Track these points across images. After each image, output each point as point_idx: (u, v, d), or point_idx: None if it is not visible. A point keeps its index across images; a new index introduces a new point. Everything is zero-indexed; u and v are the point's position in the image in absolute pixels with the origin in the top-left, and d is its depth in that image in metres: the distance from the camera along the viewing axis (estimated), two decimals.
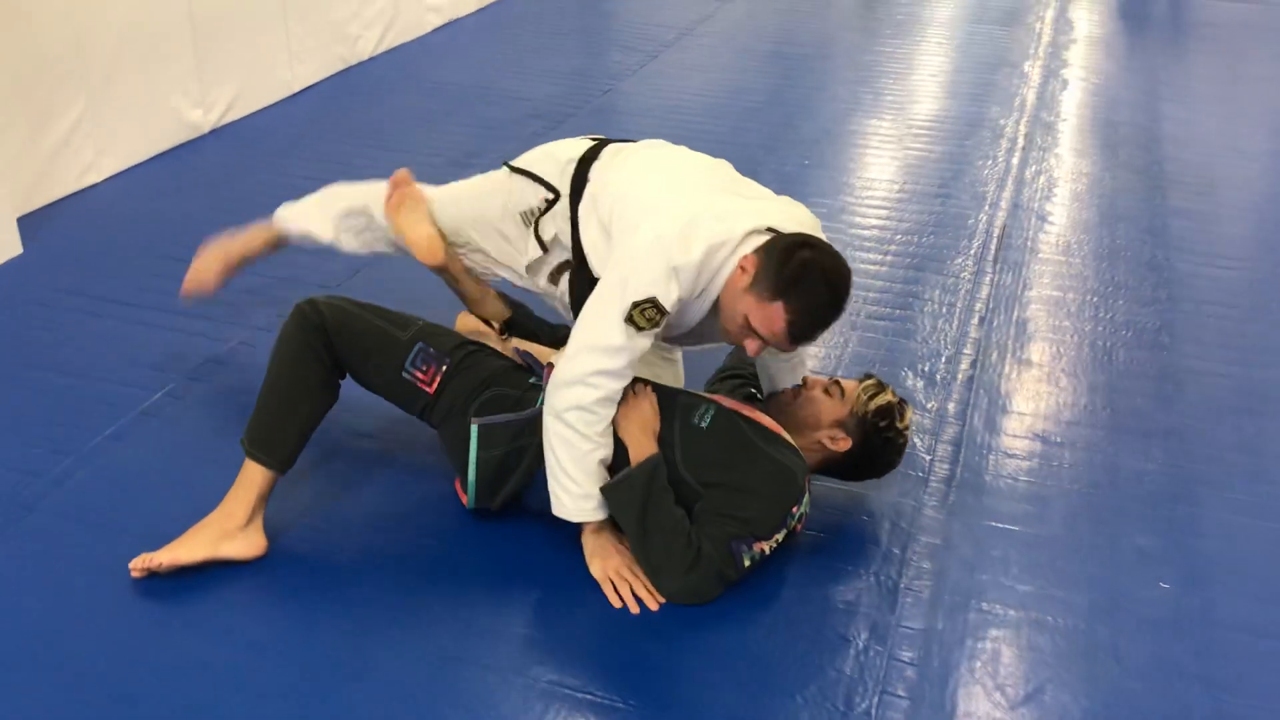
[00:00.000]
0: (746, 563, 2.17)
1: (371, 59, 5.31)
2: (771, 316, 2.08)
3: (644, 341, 2.14)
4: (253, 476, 2.26)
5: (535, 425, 2.25)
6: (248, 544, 2.24)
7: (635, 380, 2.25)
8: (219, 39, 4.33)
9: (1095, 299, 3.42)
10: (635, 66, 5.46)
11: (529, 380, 2.35)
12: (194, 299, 2.91)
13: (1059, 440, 2.74)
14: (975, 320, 3.26)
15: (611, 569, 2.20)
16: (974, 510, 2.48)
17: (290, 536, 2.31)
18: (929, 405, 2.85)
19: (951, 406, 2.85)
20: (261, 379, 2.32)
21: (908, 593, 2.23)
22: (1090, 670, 2.07)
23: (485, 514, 2.35)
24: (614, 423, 2.19)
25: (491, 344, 2.52)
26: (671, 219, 2.15)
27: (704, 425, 2.24)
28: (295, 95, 4.80)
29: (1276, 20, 6.70)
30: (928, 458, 2.63)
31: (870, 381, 2.40)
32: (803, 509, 2.24)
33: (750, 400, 2.50)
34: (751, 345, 2.15)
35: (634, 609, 2.15)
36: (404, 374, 2.31)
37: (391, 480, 2.51)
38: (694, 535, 2.16)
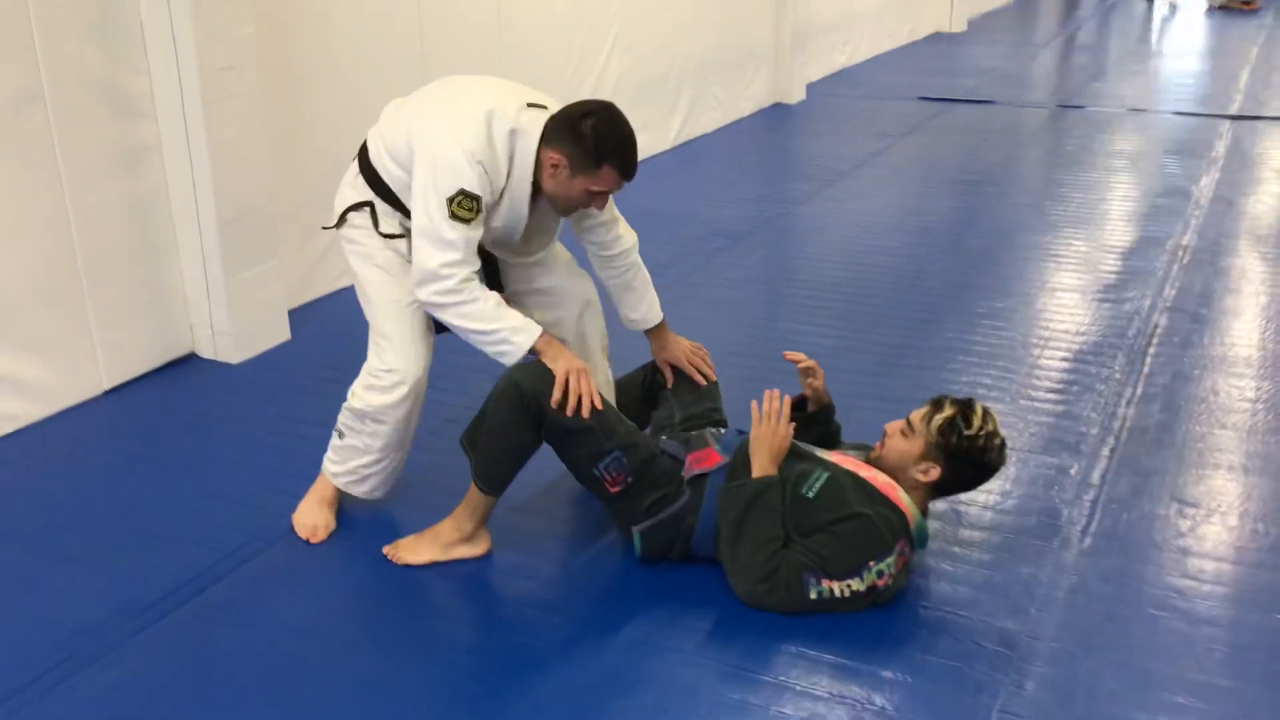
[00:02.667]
0: (813, 595, 2.44)
1: None
2: (605, 177, 2.56)
3: (473, 231, 2.54)
4: (479, 501, 2.73)
5: (682, 514, 2.63)
6: (476, 548, 2.75)
7: (778, 418, 2.62)
8: None
9: (1250, 387, 3.64)
10: (812, 193, 5.97)
11: (680, 475, 2.68)
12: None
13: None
14: (1124, 403, 3.53)
15: (573, 370, 2.54)
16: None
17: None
18: (1072, 470, 3.14)
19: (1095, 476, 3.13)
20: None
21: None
22: None
23: None
24: (749, 442, 2.60)
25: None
26: (458, 117, 2.56)
27: (810, 495, 2.54)
28: None
29: None
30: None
31: (926, 408, 2.59)
32: (883, 565, 2.45)
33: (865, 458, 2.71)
34: (599, 202, 2.64)
35: (570, 411, 2.50)
36: (595, 471, 2.62)
37: (580, 509, 2.96)
38: (778, 556, 2.47)
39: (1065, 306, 4.37)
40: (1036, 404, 3.56)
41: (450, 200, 2.50)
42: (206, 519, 2.94)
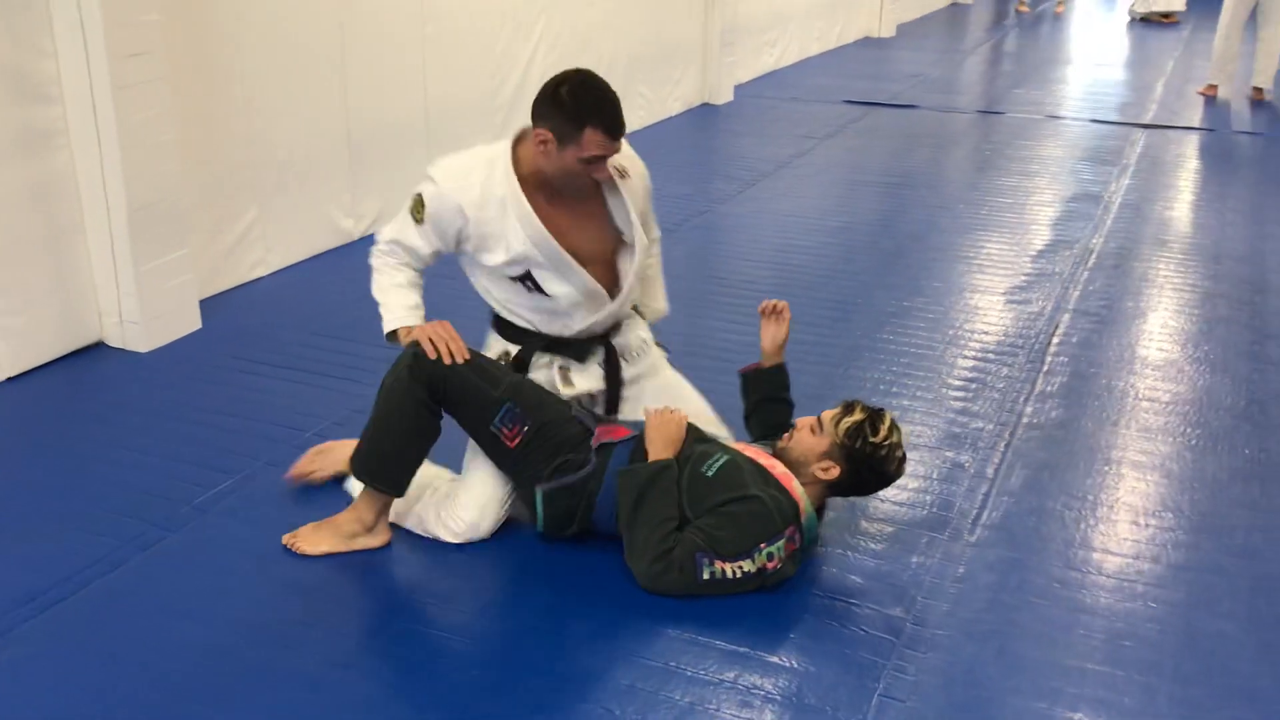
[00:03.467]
0: (705, 576, 2.50)
1: None
2: (589, 140, 2.58)
3: (416, 229, 2.76)
4: (375, 496, 2.73)
5: (587, 480, 2.67)
6: (376, 539, 2.75)
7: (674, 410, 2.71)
8: (370, 160, 5.03)
9: (1146, 386, 3.77)
10: (735, 192, 6.04)
11: (588, 444, 2.73)
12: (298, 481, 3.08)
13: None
14: (1021, 401, 3.64)
15: (430, 331, 2.66)
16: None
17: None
18: (967, 464, 3.23)
19: (990, 470, 3.22)
20: None
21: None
22: None
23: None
24: (649, 424, 2.66)
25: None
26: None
27: (709, 474, 2.61)
28: None
29: None
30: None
31: (838, 409, 2.66)
32: (773, 548, 2.52)
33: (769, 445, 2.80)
34: (600, 171, 2.66)
35: (442, 356, 2.61)
36: (491, 428, 2.69)
37: None
38: (674, 537, 2.53)
39: (973, 307, 4.48)
40: (939, 400, 3.65)
41: (411, 204, 2.78)
42: (108, 506, 2.92)
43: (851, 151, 7.06)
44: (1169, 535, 2.91)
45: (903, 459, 2.70)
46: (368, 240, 5.19)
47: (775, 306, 3.02)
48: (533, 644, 2.44)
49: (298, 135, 4.64)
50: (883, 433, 2.63)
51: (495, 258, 2.76)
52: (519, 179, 2.71)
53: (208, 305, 4.18)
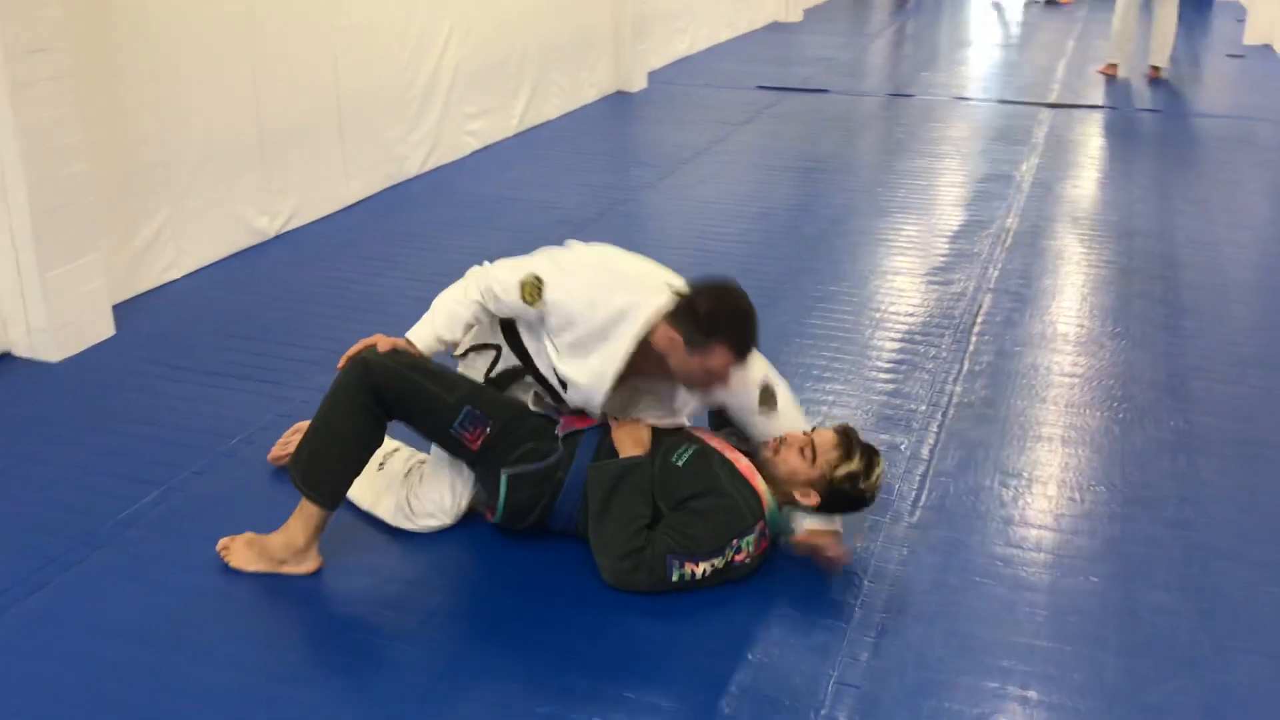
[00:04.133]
0: (675, 577, 2.49)
1: (417, 177, 5.89)
2: (718, 354, 2.50)
3: (516, 308, 2.62)
4: (312, 512, 2.62)
5: (556, 466, 2.64)
6: (305, 565, 2.64)
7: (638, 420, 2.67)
8: (284, 158, 4.91)
9: (1069, 359, 3.84)
10: (654, 180, 6.02)
11: (554, 433, 2.70)
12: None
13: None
14: (950, 381, 3.68)
15: (388, 341, 2.63)
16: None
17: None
18: (902, 446, 3.25)
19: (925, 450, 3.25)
20: None
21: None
22: None
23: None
24: (615, 433, 2.62)
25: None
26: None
27: (680, 464, 2.60)
28: (349, 207, 5.37)
29: (1246, 133, 7.20)
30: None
31: (838, 453, 2.58)
32: (744, 542, 2.53)
33: (733, 441, 2.77)
34: (723, 384, 2.57)
35: (385, 347, 2.59)
36: (451, 432, 2.63)
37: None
38: (644, 536, 2.50)
39: (896, 289, 4.52)
40: (869, 383, 3.67)
41: (532, 283, 2.60)
42: (27, 525, 2.80)
43: (767, 136, 7.08)
44: (1104, 509, 2.96)
45: (871, 503, 2.68)
46: (283, 238, 5.11)
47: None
48: (482, 650, 2.40)
49: (208, 132, 4.49)
50: (873, 477, 2.61)
51: (560, 357, 2.63)
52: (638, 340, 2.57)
53: (121, 310, 4.03)
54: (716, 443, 2.70)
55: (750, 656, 2.38)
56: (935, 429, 3.36)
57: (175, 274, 4.42)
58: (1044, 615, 2.54)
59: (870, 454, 2.64)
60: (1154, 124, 7.53)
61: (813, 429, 2.71)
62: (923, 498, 3.00)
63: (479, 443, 2.63)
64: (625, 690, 2.27)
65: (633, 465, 2.57)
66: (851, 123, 7.53)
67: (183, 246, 4.43)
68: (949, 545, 2.79)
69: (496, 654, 2.38)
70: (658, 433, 2.69)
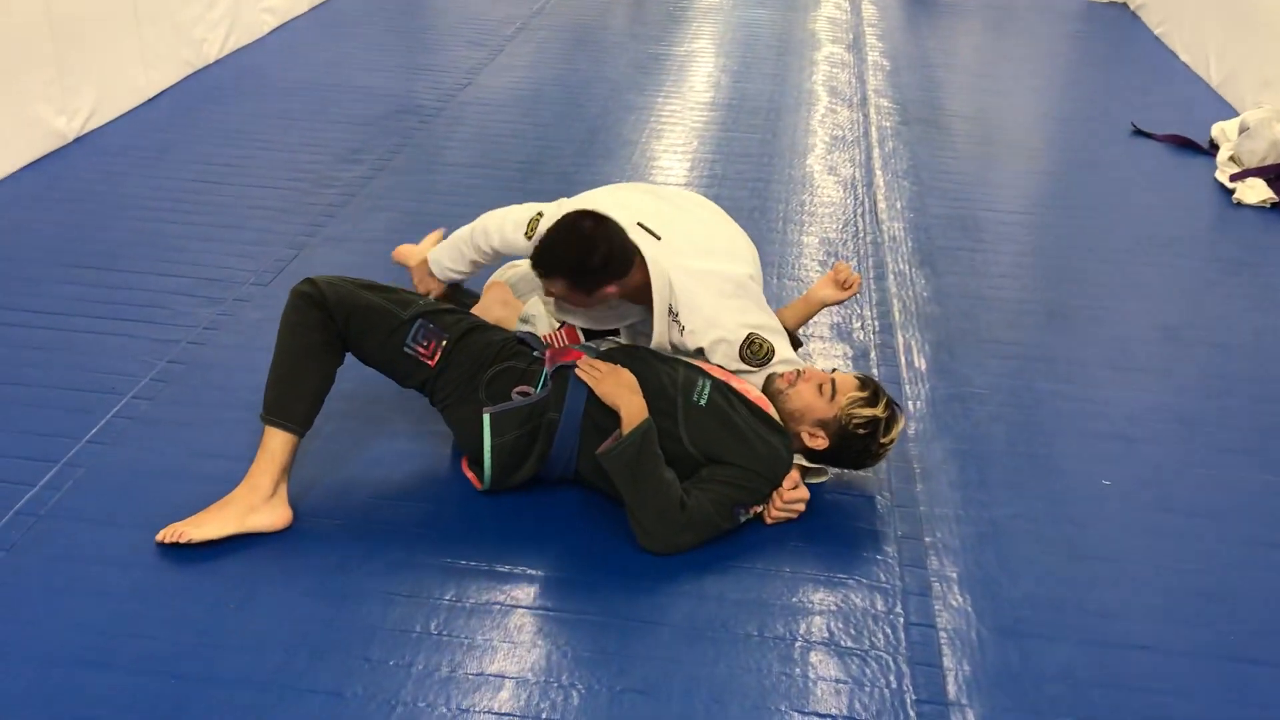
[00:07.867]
0: (742, 518, 2.36)
1: (217, 63, 5.18)
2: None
3: (521, 244, 2.64)
4: (273, 446, 2.30)
5: (545, 405, 2.36)
6: (274, 515, 2.30)
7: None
8: (78, 44, 4.17)
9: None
10: (486, 60, 5.55)
11: (532, 354, 2.44)
12: None
13: None
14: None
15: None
16: None
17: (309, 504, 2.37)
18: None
19: None
20: (218, 376, 2.53)
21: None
22: None
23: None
24: (600, 390, 2.35)
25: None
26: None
27: (702, 403, 2.37)
28: (151, 100, 4.66)
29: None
30: None
31: (865, 393, 2.42)
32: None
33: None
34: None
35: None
36: (405, 349, 2.37)
37: (395, 448, 2.59)
38: (684, 497, 2.29)
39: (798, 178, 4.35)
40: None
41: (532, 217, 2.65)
42: None
43: (583, 6, 6.67)
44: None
45: (878, 461, 2.51)
46: (87, 139, 4.35)
47: (848, 281, 2.70)
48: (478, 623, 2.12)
49: None
50: (892, 435, 2.43)
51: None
52: None
53: None
54: (716, 372, 2.47)
55: (817, 604, 2.21)
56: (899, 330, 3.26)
57: None
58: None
59: (894, 407, 2.46)
60: None
61: (833, 370, 2.52)
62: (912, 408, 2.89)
63: (436, 357, 2.38)
64: (704, 655, 2.06)
65: (641, 437, 2.29)
66: None
67: None
68: (958, 457, 2.70)
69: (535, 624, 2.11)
70: (658, 369, 2.42)
